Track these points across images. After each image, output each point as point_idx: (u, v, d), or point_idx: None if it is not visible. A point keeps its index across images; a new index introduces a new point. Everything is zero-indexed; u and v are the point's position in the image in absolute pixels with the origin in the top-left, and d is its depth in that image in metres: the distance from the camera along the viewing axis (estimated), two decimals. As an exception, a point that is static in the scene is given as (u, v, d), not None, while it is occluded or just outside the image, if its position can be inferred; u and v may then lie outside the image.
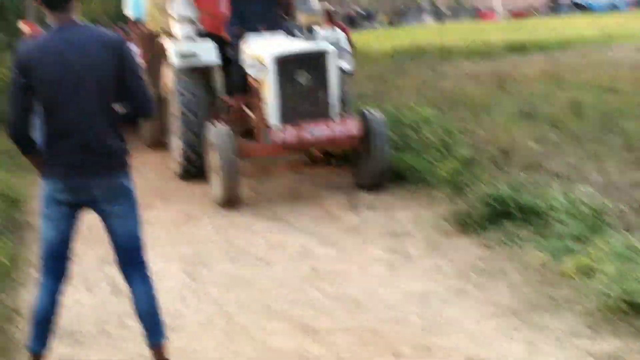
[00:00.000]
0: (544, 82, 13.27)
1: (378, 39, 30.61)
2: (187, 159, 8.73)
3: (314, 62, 7.47)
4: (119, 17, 19.42)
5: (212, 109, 8.85)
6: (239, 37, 8.75)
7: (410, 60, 19.47)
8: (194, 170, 8.81)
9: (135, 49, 12.59)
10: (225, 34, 9.23)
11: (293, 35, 8.54)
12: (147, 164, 10.74)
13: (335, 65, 7.57)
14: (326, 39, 8.28)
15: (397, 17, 60.10)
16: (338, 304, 5.31)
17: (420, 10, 60.68)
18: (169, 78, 9.09)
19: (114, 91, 3.86)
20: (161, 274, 6.05)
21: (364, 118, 7.66)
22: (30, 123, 3.90)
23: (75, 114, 3.82)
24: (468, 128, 9.12)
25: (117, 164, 3.96)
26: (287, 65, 7.43)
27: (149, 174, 10.08)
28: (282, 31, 8.74)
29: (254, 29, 8.76)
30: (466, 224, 6.54)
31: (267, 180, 9.10)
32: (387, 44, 23.10)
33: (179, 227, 7.48)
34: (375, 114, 7.77)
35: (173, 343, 4.73)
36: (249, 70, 7.54)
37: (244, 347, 4.70)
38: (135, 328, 4.95)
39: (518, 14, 54.26)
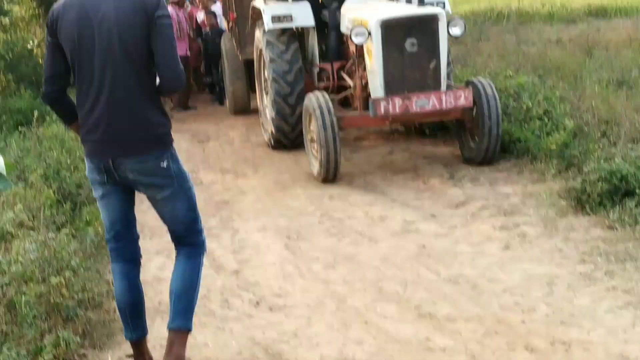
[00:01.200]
0: (633, 49, 12.66)
1: (453, 1, 29.88)
2: (279, 128, 8.49)
3: (424, 27, 7.05)
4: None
5: (306, 76, 8.58)
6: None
7: (490, 24, 18.87)
8: (286, 139, 8.60)
9: (218, 9, 12.51)
10: None
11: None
12: (234, 130, 10.64)
13: (445, 30, 7.12)
14: (432, 2, 7.98)
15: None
16: (454, 288, 5.02)
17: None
18: (260, 42, 8.81)
19: (147, 56, 3.47)
20: (260, 248, 5.99)
21: (474, 88, 7.22)
22: (63, 86, 3.60)
23: (100, 77, 3.47)
24: (565, 96, 8.78)
25: (154, 142, 3.54)
26: (394, 30, 7.02)
27: (236, 141, 9.96)
28: None
29: None
30: (583, 202, 6.17)
31: (360, 148, 8.82)
32: (463, 7, 22.40)
33: (272, 197, 7.30)
34: (486, 83, 7.33)
35: (282, 326, 4.54)
36: (351, 36, 7.11)
37: (363, 335, 4.44)
38: (241, 308, 4.80)
39: (596, -23, 52.47)
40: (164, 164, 3.53)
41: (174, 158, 3.61)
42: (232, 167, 8.54)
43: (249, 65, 10.72)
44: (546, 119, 7.81)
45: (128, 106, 3.46)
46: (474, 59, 12.40)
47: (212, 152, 9.37)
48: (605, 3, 21.87)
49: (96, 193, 3.68)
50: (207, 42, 12.74)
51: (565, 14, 20.52)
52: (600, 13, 20.62)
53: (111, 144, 3.49)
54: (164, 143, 3.56)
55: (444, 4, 8.40)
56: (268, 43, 8.36)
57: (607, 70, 10.75)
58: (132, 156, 3.50)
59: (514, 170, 7.38)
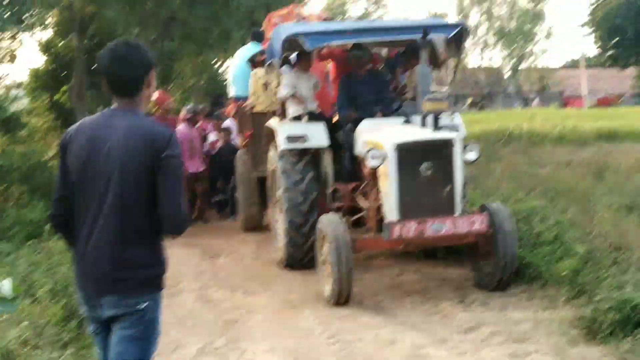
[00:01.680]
0: (643, 174, 12.82)
1: (465, 122, 30.31)
2: (293, 246, 8.47)
3: (439, 152, 7.07)
4: (219, 96, 20.13)
5: (320, 196, 8.63)
6: (352, 121, 8.61)
7: (502, 145, 19.11)
8: (299, 258, 8.54)
9: (233, 126, 12.76)
10: (336, 117, 9.14)
11: (410, 121, 8.34)
12: (245, 246, 10.63)
13: (461, 155, 7.17)
14: (448, 126, 8.05)
15: (484, 101, 60.19)
16: (466, 419, 4.89)
17: (506, 95, 60.74)
18: (274, 160, 8.93)
19: (148, 195, 3.37)
20: (267, 371, 5.83)
21: (489, 213, 7.25)
22: (70, 210, 3.52)
23: (95, 209, 3.40)
24: (575, 221, 8.80)
25: (139, 284, 3.40)
26: (409, 154, 7.06)
27: (247, 258, 9.93)
28: (400, 117, 8.51)
29: (368, 113, 8.57)
30: (595, 331, 6.06)
31: (370, 268, 8.79)
32: (475, 127, 22.78)
33: (282, 317, 7.21)
34: (502, 209, 7.33)
35: None
36: (366, 159, 7.22)
37: None
38: None
39: (604, 101, 53.59)
40: (142, 306, 3.41)
41: (156, 304, 3.48)
42: (242, 285, 8.51)
43: (262, 182, 10.78)
44: (557, 244, 7.77)
45: (119, 244, 3.37)
46: (486, 181, 12.47)
47: (222, 268, 9.35)
48: (615, 126, 22.19)
49: (89, 327, 3.60)
50: (218, 157, 12.86)
51: (575, 136, 20.80)
52: (611, 136, 20.87)
53: (96, 279, 3.41)
54: (151, 286, 3.45)
55: (458, 127, 8.50)
56: (284, 171, 8.47)
57: (617, 194, 10.77)
58: (114, 294, 3.40)
59: (524, 296, 7.30)
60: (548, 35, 61.02)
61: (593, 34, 57.20)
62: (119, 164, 3.35)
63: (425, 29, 7.88)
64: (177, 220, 3.37)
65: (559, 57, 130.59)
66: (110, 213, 3.35)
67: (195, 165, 12.36)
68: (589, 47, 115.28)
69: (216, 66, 44.06)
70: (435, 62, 8.96)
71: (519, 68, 61.56)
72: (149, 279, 3.43)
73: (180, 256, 9.36)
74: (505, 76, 63.52)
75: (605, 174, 12.88)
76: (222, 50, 31.73)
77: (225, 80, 45.95)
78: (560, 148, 18.29)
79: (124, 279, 3.37)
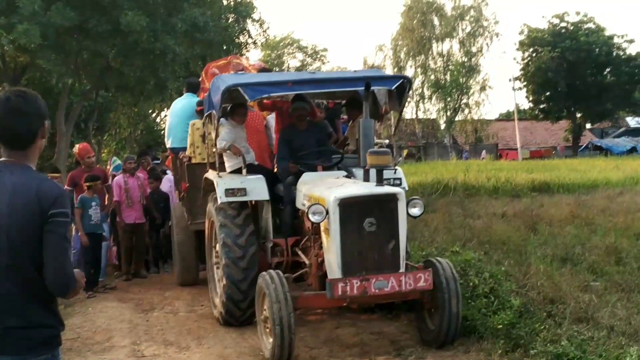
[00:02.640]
0: (575, 225, 12.99)
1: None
2: (231, 302, 8.21)
3: (383, 207, 6.87)
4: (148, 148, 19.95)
5: (260, 250, 8.43)
6: (292, 174, 8.46)
7: (437, 197, 19.19)
8: (238, 315, 8.30)
9: (170, 178, 12.51)
10: (275, 169, 9.05)
11: (352, 175, 8.22)
12: (179, 300, 10.40)
13: (405, 210, 7.01)
14: (390, 180, 7.94)
15: (420, 153, 60.90)
16: None
17: (442, 146, 61.56)
18: (212, 213, 8.69)
19: (39, 255, 3.31)
20: None
21: (433, 269, 7.12)
22: None
23: None
24: (511, 273, 8.90)
25: (35, 343, 3.34)
26: (352, 209, 6.83)
27: (182, 311, 9.72)
28: (341, 171, 8.40)
29: (310, 166, 8.48)
30: (533, 387, 5.93)
31: (305, 322, 8.59)
32: (411, 178, 22.84)
33: (215, 376, 6.94)
34: (446, 265, 7.18)
35: None
36: (308, 214, 6.99)
37: None
38: None
39: (537, 154, 54.72)
40: None
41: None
42: (176, 339, 8.26)
43: (199, 235, 10.55)
44: (492, 297, 7.80)
45: (10, 304, 3.31)
46: (422, 232, 12.47)
47: (155, 323, 9.13)
48: (547, 179, 22.51)
49: None
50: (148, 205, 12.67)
51: (509, 188, 20.96)
52: (544, 188, 21.12)
53: None
54: (46, 345, 3.38)
55: (400, 180, 8.39)
56: (222, 224, 8.27)
57: (551, 246, 10.92)
58: (10, 355, 3.32)
59: (461, 349, 7.17)
60: (482, 88, 62.08)
61: (525, 88, 58.64)
62: (6, 227, 3.30)
63: (368, 81, 7.81)
64: (60, 283, 3.32)
65: (494, 110, 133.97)
66: (3, 276, 3.31)
67: (133, 216, 12.07)
68: (522, 100, 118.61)
69: (152, 116, 43.99)
70: (377, 114, 8.85)
71: (455, 119, 62.47)
72: (48, 337, 3.38)
73: (112, 310, 9.13)
74: (442, 127, 64.44)
75: (539, 225, 13.02)
76: (159, 101, 31.70)
77: (162, 130, 46.01)
78: (494, 200, 18.39)
79: (23, 338, 3.32)
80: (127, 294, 10.47)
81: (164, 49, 21.48)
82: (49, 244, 3.28)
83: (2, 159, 3.47)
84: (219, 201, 8.30)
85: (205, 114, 9.26)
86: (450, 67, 62.09)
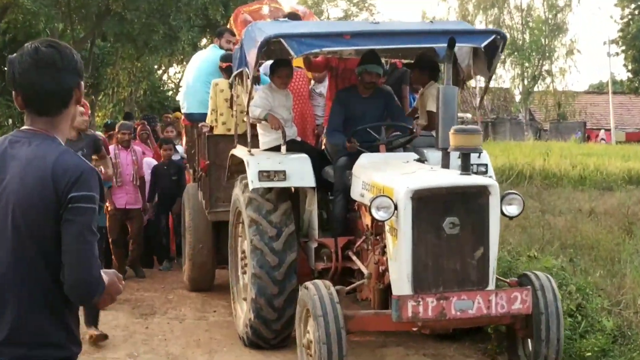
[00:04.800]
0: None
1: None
2: (261, 321, 8.07)
3: (470, 203, 6.65)
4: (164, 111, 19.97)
5: (301, 253, 8.31)
6: (347, 154, 8.30)
7: (508, 186, 18.97)
8: (270, 337, 8.19)
9: (182, 152, 12.38)
10: (323, 147, 9.12)
11: (425, 158, 8.12)
12: (186, 304, 10.59)
13: (498, 208, 6.75)
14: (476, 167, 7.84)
15: (486, 130, 60.44)
16: None
17: (516, 123, 61.06)
18: (240, 202, 8.52)
19: (53, 247, 3.23)
20: None
21: (531, 286, 6.85)
22: None
23: None
24: (601, 287, 8.96)
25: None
26: (429, 205, 6.60)
27: (189, 318, 9.89)
28: (411, 152, 8.29)
29: (371, 144, 8.39)
30: None
31: (362, 348, 8.39)
32: (478, 161, 22.72)
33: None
34: (546, 282, 6.95)
35: None
36: (370, 208, 6.69)
37: None
38: None
39: (635, 136, 53.99)
40: None
41: None
42: (182, 353, 8.35)
43: (218, 228, 10.57)
44: (579, 316, 7.82)
45: (16, 314, 3.26)
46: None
47: (156, 331, 9.21)
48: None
49: None
50: (157, 177, 12.78)
51: (599, 178, 21.10)
52: (642, 181, 21.00)
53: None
54: None
55: (486, 167, 8.26)
56: (253, 220, 8.15)
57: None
58: None
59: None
60: (569, 52, 61.36)
61: (623, 54, 57.79)
62: (11, 210, 3.24)
63: (453, 37, 7.54)
64: (81, 288, 3.23)
65: (582, 80, 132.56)
66: (9, 276, 3.25)
67: (123, 199, 12.12)
68: (619, 69, 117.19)
69: (159, 73, 44.00)
70: (456, 80, 8.61)
71: (533, 90, 61.90)
72: (57, 354, 3.30)
73: (103, 314, 9.12)
74: (516, 99, 63.92)
75: (636, 227, 12.99)
76: (167, 55, 31.63)
77: (169, 91, 46.11)
78: (580, 193, 18.55)
79: (27, 356, 3.25)
80: (122, 295, 10.29)
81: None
82: (68, 237, 3.18)
83: (24, 127, 3.41)
84: (250, 187, 8.14)
85: (235, 73, 9.10)
86: (530, 24, 61.48)
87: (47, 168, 3.23)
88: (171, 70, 46.39)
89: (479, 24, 61.52)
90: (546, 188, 19.18)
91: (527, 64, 60.52)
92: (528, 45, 60.32)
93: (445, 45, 7.58)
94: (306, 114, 9.75)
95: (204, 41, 31.94)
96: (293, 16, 10.96)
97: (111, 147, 12.17)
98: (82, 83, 3.46)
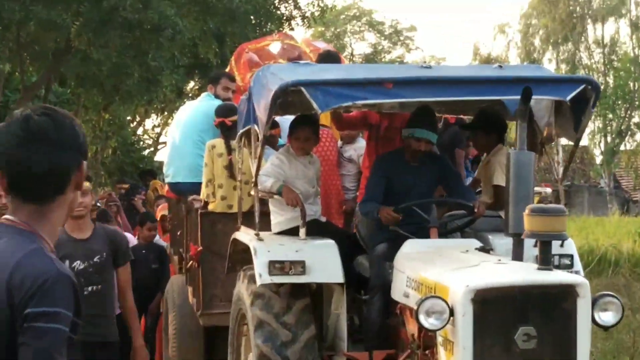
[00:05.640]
0: None
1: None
2: None
3: (552, 307, 6.67)
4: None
5: None
6: (386, 238, 8.34)
7: (587, 275, 19.01)
8: None
9: (163, 243, 12.51)
10: (355, 230, 9.31)
11: (490, 246, 8.14)
12: None
13: (589, 315, 6.73)
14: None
15: (558, 200, 60.35)
16: None
17: (596, 191, 60.99)
18: (244, 300, 8.55)
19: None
20: None
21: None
22: None
23: None
24: None
25: None
26: (497, 310, 6.65)
27: None
28: (471, 239, 8.36)
29: (419, 227, 8.41)
30: None
31: None
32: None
33: None
34: None
35: None
36: (417, 313, 6.66)
37: None
38: None
39: None
40: None
41: None
42: None
43: (212, 334, 10.62)
44: None
45: None
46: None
47: None
48: None
49: None
50: (133, 264, 12.64)
51: None
52: None
53: None
54: None
55: (571, 259, 8.26)
56: (261, 323, 8.16)
57: None
58: None
59: None
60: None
61: None
62: None
63: (528, 86, 7.53)
64: None
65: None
66: None
67: None
68: None
69: (133, 125, 44.26)
70: (533, 143, 8.59)
71: (619, 149, 61.98)
72: None
73: None
74: (597, 160, 64.00)
75: None
76: (144, 103, 31.85)
77: (145, 149, 46.26)
78: None
79: None
80: None
81: (158, 20, 21.61)
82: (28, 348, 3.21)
83: (4, 216, 3.50)
84: (258, 282, 8.11)
85: (240, 132, 9.17)
86: (614, 63, 61.80)
87: (3, 274, 3.26)
88: (148, 123, 46.78)
89: (548, 63, 62.14)
90: (637, 279, 19.18)
91: (610, 115, 60.81)
92: (612, 91, 60.65)
93: (518, 97, 7.58)
94: (332, 186, 9.89)
95: (191, 84, 32.23)
96: (328, 57, 10.97)
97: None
98: (85, 163, 3.53)
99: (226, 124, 10.39)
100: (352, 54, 63.87)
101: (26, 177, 3.43)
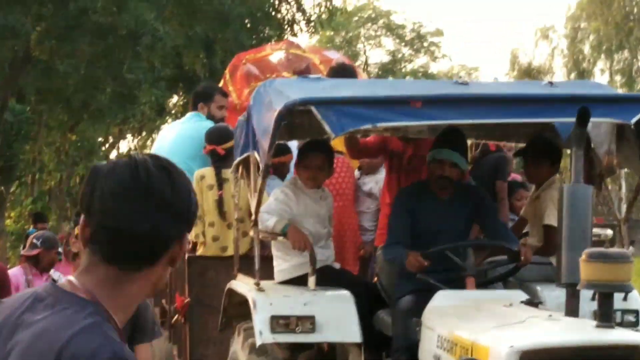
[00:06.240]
0: None
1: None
2: None
3: None
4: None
5: None
6: (412, 289, 8.39)
7: None
8: None
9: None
10: (377, 277, 9.37)
11: (539, 299, 8.13)
12: None
13: None
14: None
15: (614, 238, 60.43)
16: None
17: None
18: (241, 356, 8.67)
19: None
20: None
21: None
22: None
23: None
24: None
25: None
26: None
27: None
28: (516, 290, 8.37)
29: (451, 275, 8.44)
30: None
31: None
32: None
33: None
34: None
35: None
36: None
37: None
38: None
39: None
40: None
41: None
42: None
43: None
44: None
45: None
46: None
47: None
48: None
49: None
50: None
51: None
52: None
53: None
54: None
55: (637, 315, 8.25)
56: (259, 354, 8.34)
57: None
58: None
59: None
60: None
61: None
62: None
63: (585, 106, 7.49)
64: None
65: None
66: None
67: None
68: None
69: (105, 148, 44.37)
70: (591, 176, 8.68)
71: None
72: None
73: None
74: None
75: None
76: (119, 122, 31.91)
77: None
78: None
79: None
80: None
81: (135, 25, 21.66)
82: None
83: (68, 277, 3.47)
84: (258, 341, 8.14)
85: (237, 160, 9.23)
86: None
87: (52, 350, 3.27)
88: (123, 145, 46.91)
89: (600, 75, 62.22)
90: None
91: None
92: None
93: (573, 120, 7.52)
94: (347, 226, 9.97)
95: (174, 99, 32.32)
96: (343, 71, 10.93)
97: (14, 272, 12.42)
98: (187, 236, 3.57)
99: (218, 152, 10.45)
100: (366, 63, 64.05)
101: (118, 234, 3.40)
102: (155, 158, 3.46)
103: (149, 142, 44.85)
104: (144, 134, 42.56)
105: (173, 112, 35.24)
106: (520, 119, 8.37)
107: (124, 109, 27.26)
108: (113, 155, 46.64)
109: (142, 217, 3.37)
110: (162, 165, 3.42)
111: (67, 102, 26.71)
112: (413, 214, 8.80)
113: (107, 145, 44.53)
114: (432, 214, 8.77)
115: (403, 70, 64.96)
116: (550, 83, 9.16)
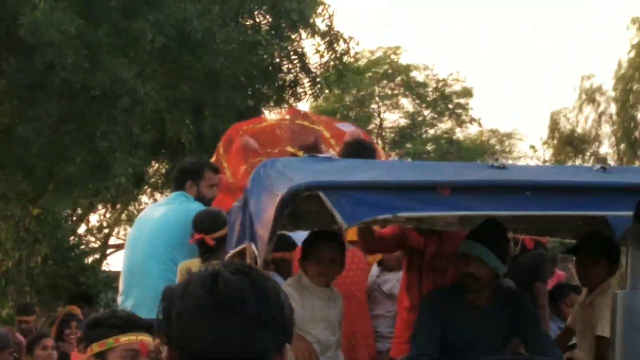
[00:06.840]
0: None
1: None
2: None
3: None
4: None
5: None
6: None
7: None
8: None
9: None
10: None
11: None
12: None
13: None
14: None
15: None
16: None
17: None
18: None
19: None
20: None
21: None
22: None
23: None
24: None
25: None
26: None
27: None
28: None
29: None
30: None
31: None
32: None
33: None
34: None
35: None
36: None
37: None
38: None
39: None
40: None
41: None
42: None
43: None
44: None
45: None
46: None
47: None
48: None
49: None
50: None
51: None
52: None
53: None
54: None
55: None
56: None
57: None
58: None
59: None
60: None
61: None
62: None
63: None
64: None
65: None
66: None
67: None
68: None
69: (71, 222, 44.33)
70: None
71: None
72: None
73: None
74: None
75: None
76: (89, 194, 31.94)
77: (88, 255, 46.27)
78: None
79: None
80: None
81: (110, 85, 21.74)
82: None
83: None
84: None
85: (231, 253, 9.21)
86: None
87: None
88: (93, 218, 46.87)
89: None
90: None
91: None
92: None
93: (630, 213, 7.41)
94: (360, 333, 9.96)
95: (154, 166, 32.35)
96: (359, 148, 10.93)
97: None
98: (288, 347, 3.61)
99: (207, 243, 10.46)
100: (380, 126, 64.16)
101: (207, 358, 3.47)
102: (231, 264, 3.56)
103: (123, 216, 44.95)
104: (118, 206, 42.52)
105: (152, 180, 35.31)
106: (567, 211, 8.34)
107: (95, 180, 27.20)
108: (82, 230, 46.65)
109: (227, 334, 3.44)
110: (238, 270, 3.51)
111: (28, 171, 26.68)
112: (444, 320, 8.77)
113: (74, 219, 44.48)
114: (465, 322, 8.76)
115: (424, 135, 65.11)
116: (604, 168, 9.12)
